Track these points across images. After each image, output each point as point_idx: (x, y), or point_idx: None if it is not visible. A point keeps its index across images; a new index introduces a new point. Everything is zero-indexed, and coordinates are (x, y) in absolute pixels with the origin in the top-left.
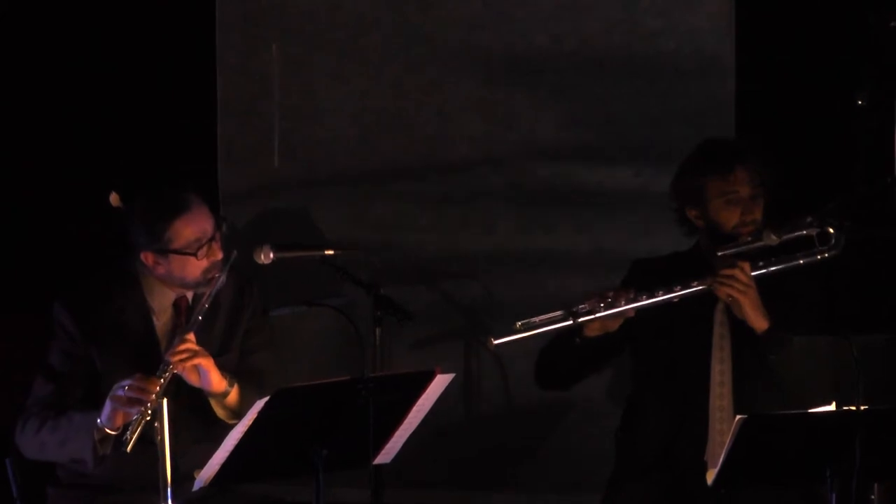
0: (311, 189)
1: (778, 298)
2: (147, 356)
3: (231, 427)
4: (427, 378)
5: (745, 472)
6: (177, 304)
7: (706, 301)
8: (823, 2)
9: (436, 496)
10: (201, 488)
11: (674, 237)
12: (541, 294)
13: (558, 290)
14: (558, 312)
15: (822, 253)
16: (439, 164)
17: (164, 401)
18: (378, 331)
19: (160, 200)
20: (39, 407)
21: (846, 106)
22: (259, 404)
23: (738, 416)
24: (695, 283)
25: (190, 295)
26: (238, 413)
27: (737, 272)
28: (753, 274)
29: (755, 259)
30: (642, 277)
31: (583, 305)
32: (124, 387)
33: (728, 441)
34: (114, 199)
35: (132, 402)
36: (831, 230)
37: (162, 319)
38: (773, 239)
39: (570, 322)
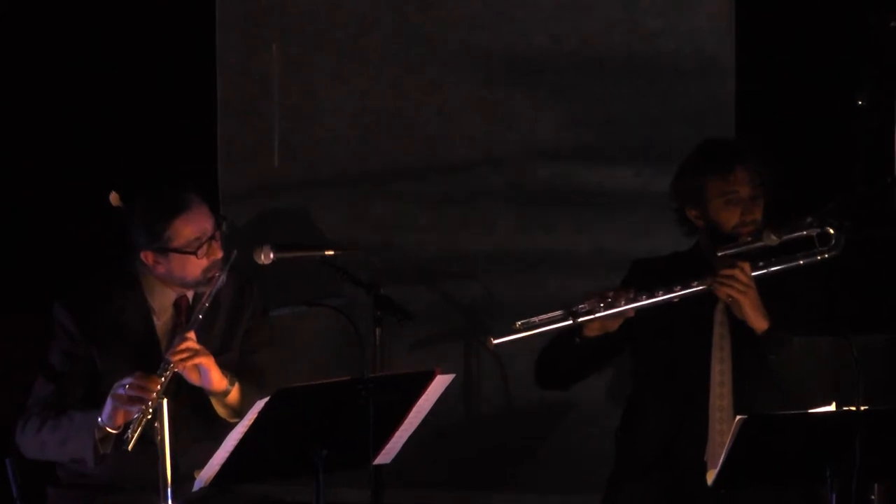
0: (311, 189)
1: (778, 299)
2: (147, 356)
3: (232, 426)
4: (427, 378)
5: (746, 473)
6: (177, 304)
7: (706, 301)
8: (823, 2)
9: (436, 496)
10: (201, 488)
11: (674, 237)
12: (541, 294)
13: (558, 290)
14: (558, 312)
15: (822, 253)
16: (439, 164)
17: (164, 400)
18: (378, 331)
19: (160, 200)
20: (40, 407)
21: (846, 106)
22: (259, 404)
23: (738, 417)
24: (695, 284)
25: (190, 294)
26: (239, 412)
27: (737, 272)
28: (753, 274)
29: (755, 259)
30: (642, 277)
31: (582, 305)
32: (125, 385)
33: (728, 441)
34: (113, 198)
35: (133, 400)
36: (831, 230)
37: (162, 319)
38: (773, 239)
39: (570, 322)
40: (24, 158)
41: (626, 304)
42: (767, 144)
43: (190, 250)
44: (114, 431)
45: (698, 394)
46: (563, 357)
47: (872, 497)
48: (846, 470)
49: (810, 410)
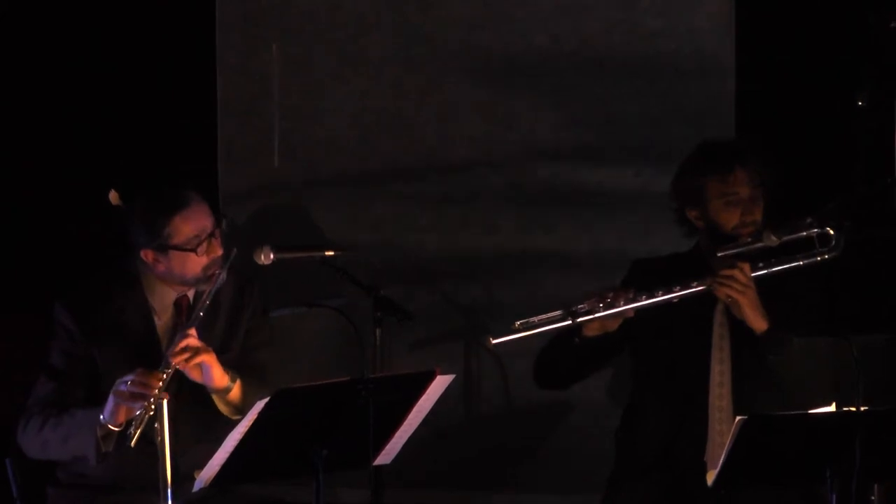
0: (311, 189)
1: (779, 299)
2: (148, 355)
3: (233, 424)
4: (427, 379)
5: (746, 473)
6: (178, 304)
7: (706, 301)
8: (823, 2)
9: (436, 496)
10: (201, 489)
11: (674, 238)
12: (541, 294)
13: (558, 291)
14: (557, 312)
15: (822, 254)
16: (439, 164)
17: (165, 401)
18: (378, 331)
19: (159, 198)
20: (41, 406)
21: (846, 106)
22: (259, 405)
23: (738, 417)
24: (694, 284)
25: (191, 294)
26: (241, 409)
27: (736, 273)
28: (753, 275)
29: (755, 260)
30: (642, 277)
31: (582, 305)
32: (127, 382)
33: (728, 442)
34: (113, 196)
35: (135, 396)
36: (831, 231)
37: (163, 319)
38: (772, 240)
39: (569, 322)
40: (24, 158)
41: (625, 304)
42: (767, 144)
43: (189, 247)
44: (116, 429)
45: (698, 394)
46: (563, 357)
47: (872, 497)
48: (846, 470)
49: (810, 411)
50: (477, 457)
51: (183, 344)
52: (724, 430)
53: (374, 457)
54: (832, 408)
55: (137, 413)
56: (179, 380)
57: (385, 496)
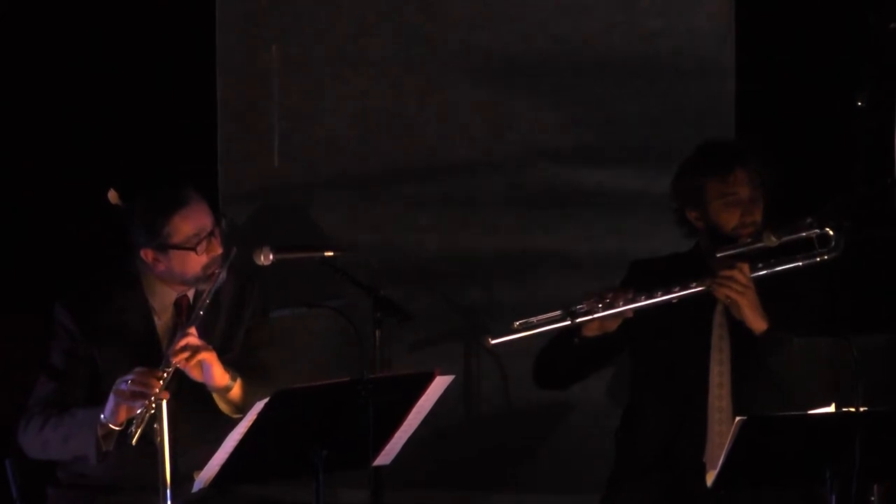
0: (311, 189)
1: (780, 299)
2: (148, 356)
3: (234, 423)
4: (426, 379)
5: (745, 474)
6: (178, 304)
7: (705, 302)
8: (823, 2)
9: (436, 496)
10: (201, 489)
11: (674, 238)
12: (541, 295)
13: (558, 291)
14: (556, 312)
15: (821, 255)
16: (439, 164)
17: (164, 402)
18: (378, 332)
19: (158, 197)
20: (41, 406)
21: (846, 106)
22: (259, 405)
23: (737, 418)
24: (693, 285)
25: (191, 294)
26: (242, 408)
27: (735, 273)
28: (753, 276)
29: (755, 260)
30: (641, 278)
31: (581, 306)
32: (127, 381)
33: (728, 442)
34: (112, 196)
35: (136, 395)
36: (831, 232)
37: (163, 319)
38: (772, 240)
39: (568, 322)
40: (24, 158)
41: (624, 304)
42: (767, 144)
43: (189, 246)
44: (116, 428)
45: (697, 395)
46: (562, 357)
47: (872, 498)
48: (846, 471)
49: (810, 411)
50: (477, 457)
51: (183, 343)
52: (723, 430)
53: (374, 457)
54: (832, 408)
55: (138, 412)
56: (180, 379)
57: (385, 496)
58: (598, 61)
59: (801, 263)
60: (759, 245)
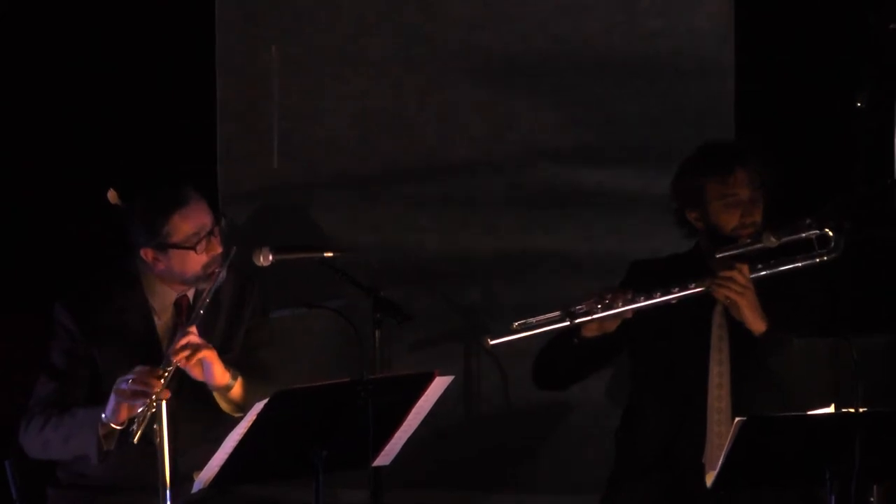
0: (311, 189)
1: (780, 300)
2: (148, 355)
3: (234, 423)
4: (426, 380)
5: (745, 474)
6: (178, 303)
7: (705, 303)
8: (823, 2)
9: (436, 496)
10: (200, 490)
11: (674, 238)
12: (541, 295)
13: (558, 292)
14: (556, 313)
15: (821, 256)
16: (439, 164)
17: (164, 402)
18: (378, 332)
19: (158, 196)
20: (42, 406)
21: (846, 106)
22: (258, 406)
23: (737, 419)
24: (693, 285)
25: (191, 293)
26: (243, 407)
27: (735, 274)
28: (752, 276)
29: (754, 261)
30: (641, 279)
31: (580, 306)
32: (128, 380)
33: (727, 443)
34: (111, 195)
35: (136, 394)
36: (830, 233)
37: (163, 318)
38: (772, 241)
39: (568, 323)
40: (24, 158)
41: (623, 305)
42: (767, 145)
43: (189, 245)
44: (117, 427)
45: (696, 395)
46: (562, 358)
47: (872, 499)
48: (845, 471)
49: (809, 412)
50: (477, 457)
51: (184, 341)
52: (722, 431)
53: (374, 457)
54: (831, 409)
55: (139, 411)
56: (180, 378)
57: (385, 496)
58: (598, 61)
59: (800, 264)
60: (759, 246)
